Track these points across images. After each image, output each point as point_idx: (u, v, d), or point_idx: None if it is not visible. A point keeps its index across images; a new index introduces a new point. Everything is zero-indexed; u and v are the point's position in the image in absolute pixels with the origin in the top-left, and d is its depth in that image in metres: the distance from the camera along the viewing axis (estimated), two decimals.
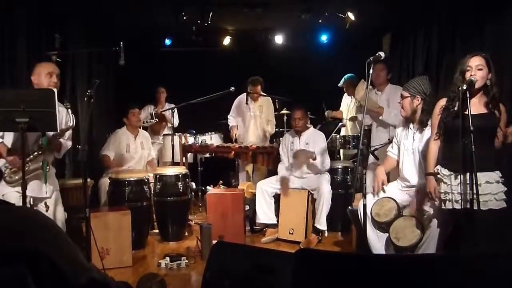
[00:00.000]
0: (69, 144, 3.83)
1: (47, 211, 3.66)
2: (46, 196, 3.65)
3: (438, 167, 3.29)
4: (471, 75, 3.09)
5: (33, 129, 3.25)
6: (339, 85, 6.34)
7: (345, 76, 6.26)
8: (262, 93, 6.29)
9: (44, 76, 3.58)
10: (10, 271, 1.13)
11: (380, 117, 4.93)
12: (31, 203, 3.59)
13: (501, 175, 3.12)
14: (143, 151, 5.70)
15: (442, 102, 3.30)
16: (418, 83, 3.73)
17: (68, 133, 3.78)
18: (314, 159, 4.92)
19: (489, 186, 3.04)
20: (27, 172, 3.31)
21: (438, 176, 3.27)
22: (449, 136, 3.20)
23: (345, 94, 6.53)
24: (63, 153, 3.87)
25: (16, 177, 3.45)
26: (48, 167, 3.60)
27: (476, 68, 3.10)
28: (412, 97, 3.71)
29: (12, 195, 3.42)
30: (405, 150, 3.83)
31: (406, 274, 1.34)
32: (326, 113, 6.41)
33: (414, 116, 3.75)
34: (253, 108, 6.35)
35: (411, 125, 3.81)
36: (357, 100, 5.64)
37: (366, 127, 5.03)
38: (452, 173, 3.17)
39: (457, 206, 3.11)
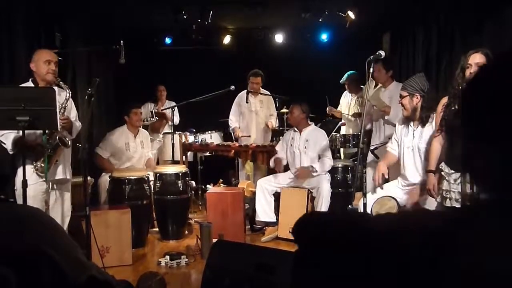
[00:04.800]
0: (78, 125, 3.85)
1: (47, 208, 3.67)
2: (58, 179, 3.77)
3: (442, 164, 3.29)
4: (470, 72, 3.09)
5: (33, 127, 3.26)
6: (341, 81, 6.33)
7: (348, 73, 6.26)
8: (262, 91, 6.29)
9: (42, 63, 3.59)
10: None
11: (386, 117, 4.92)
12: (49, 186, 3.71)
13: None
14: (143, 150, 5.67)
15: (445, 100, 3.30)
16: (415, 81, 3.74)
17: (74, 115, 3.85)
18: (315, 171, 4.97)
19: None
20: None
21: (442, 173, 3.28)
22: (450, 134, 3.20)
23: (345, 92, 6.52)
24: (76, 133, 3.87)
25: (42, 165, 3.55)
26: (49, 165, 3.61)
27: (475, 66, 3.10)
28: (411, 95, 3.73)
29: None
30: (405, 148, 3.83)
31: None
32: (327, 108, 6.40)
33: (415, 114, 3.76)
34: (254, 103, 6.35)
35: (411, 123, 3.82)
36: (369, 100, 5.62)
37: (368, 129, 5.06)
38: (453, 171, 3.17)
39: (457, 205, 3.12)
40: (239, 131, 6.38)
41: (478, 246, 0.70)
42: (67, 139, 3.58)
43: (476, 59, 3.10)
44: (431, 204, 3.52)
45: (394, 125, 4.83)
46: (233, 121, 6.46)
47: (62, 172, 3.78)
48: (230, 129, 6.48)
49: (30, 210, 1.53)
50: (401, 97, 3.80)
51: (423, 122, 3.71)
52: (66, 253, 1.26)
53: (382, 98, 5.00)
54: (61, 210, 3.81)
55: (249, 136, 6.27)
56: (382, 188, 3.96)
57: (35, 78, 3.66)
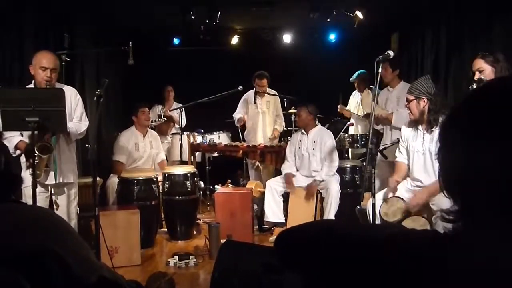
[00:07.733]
0: (81, 126, 3.81)
1: (57, 209, 3.69)
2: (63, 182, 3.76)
3: None
4: (473, 79, 3.12)
5: (43, 128, 3.26)
6: (350, 79, 6.31)
7: (358, 72, 6.22)
8: (269, 92, 6.26)
9: (39, 69, 3.55)
10: (4, 273, 1.13)
11: (392, 123, 4.88)
12: (52, 192, 3.71)
13: None
14: (151, 150, 5.69)
15: None
16: (421, 84, 3.70)
17: (79, 113, 3.82)
18: (320, 181, 4.97)
19: None
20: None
21: None
22: None
23: (354, 92, 6.49)
24: (77, 135, 3.83)
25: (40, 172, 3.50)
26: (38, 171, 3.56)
27: (477, 71, 3.14)
28: (418, 99, 3.68)
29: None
30: (415, 152, 3.79)
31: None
32: (338, 107, 6.35)
33: (422, 118, 3.71)
34: (260, 104, 6.30)
35: (420, 127, 3.78)
36: (365, 110, 5.59)
37: (377, 129, 5.03)
38: None
39: None
40: (244, 119, 6.30)
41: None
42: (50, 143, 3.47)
43: (476, 65, 3.15)
44: (439, 203, 3.49)
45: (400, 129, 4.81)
46: (238, 113, 6.39)
47: (59, 176, 3.73)
48: (235, 121, 6.38)
49: (38, 210, 1.54)
50: (408, 101, 3.76)
51: (432, 125, 3.68)
52: (76, 253, 1.27)
53: (390, 98, 4.97)
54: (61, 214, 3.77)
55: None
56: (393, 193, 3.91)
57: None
